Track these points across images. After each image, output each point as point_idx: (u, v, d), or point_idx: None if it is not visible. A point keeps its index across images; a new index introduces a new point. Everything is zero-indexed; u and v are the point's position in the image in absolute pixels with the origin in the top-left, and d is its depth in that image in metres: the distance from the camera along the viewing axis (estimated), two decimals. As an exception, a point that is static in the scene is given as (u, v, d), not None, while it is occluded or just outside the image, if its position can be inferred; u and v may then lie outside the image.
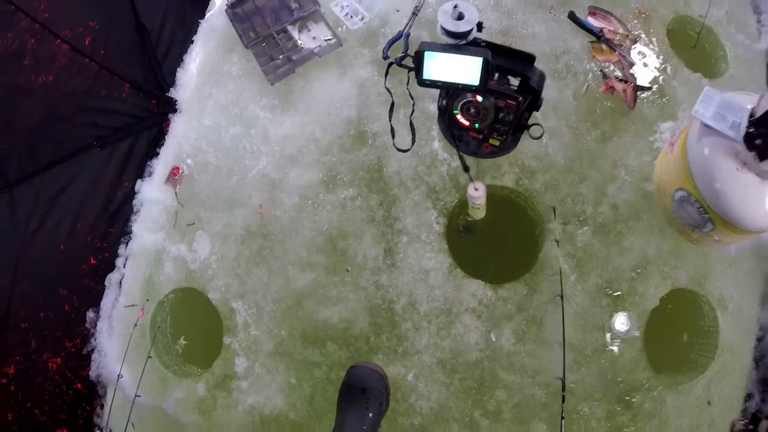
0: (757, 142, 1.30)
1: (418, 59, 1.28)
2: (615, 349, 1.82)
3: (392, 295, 1.84)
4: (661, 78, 2.07)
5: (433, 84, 1.33)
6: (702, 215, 1.55)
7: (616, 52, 2.09)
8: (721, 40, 2.14)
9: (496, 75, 1.45)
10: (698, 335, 1.94)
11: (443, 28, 1.25)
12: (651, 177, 1.86)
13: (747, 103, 1.37)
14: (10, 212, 1.79)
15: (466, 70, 1.26)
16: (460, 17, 1.25)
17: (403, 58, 1.63)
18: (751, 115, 1.32)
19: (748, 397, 1.87)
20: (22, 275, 1.80)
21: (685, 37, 2.18)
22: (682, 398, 1.83)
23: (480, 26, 1.27)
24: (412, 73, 1.36)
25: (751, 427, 1.85)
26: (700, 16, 2.10)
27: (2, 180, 1.75)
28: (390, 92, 1.69)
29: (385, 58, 1.99)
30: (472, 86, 1.28)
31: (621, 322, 1.79)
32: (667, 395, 1.83)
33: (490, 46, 1.33)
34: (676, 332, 1.96)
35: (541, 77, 1.44)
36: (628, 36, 2.17)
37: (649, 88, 2.06)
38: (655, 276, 1.87)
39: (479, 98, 1.45)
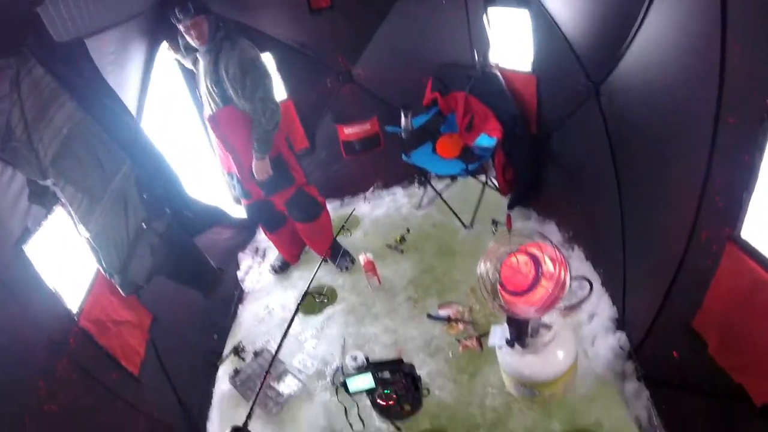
0: (510, 342, 2.52)
1: (344, 385, 2.55)
2: None
3: None
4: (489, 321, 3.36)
5: (355, 393, 2.57)
6: (527, 389, 2.67)
7: (461, 324, 3.48)
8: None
9: (388, 373, 2.71)
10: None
11: (350, 366, 2.57)
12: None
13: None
14: None
15: (366, 381, 2.53)
16: (356, 358, 2.57)
17: (342, 382, 2.82)
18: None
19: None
20: None
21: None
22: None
23: (367, 360, 2.59)
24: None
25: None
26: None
27: None
28: (343, 404, 2.91)
29: (333, 384, 3.18)
30: (371, 388, 2.54)
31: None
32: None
33: (374, 364, 2.63)
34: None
35: (410, 366, 2.72)
36: (466, 309, 3.58)
37: (487, 333, 3.21)
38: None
39: (384, 390, 2.69)
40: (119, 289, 2.58)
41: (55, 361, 2.14)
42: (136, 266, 2.54)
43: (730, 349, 1.90)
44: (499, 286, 2.30)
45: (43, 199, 2.29)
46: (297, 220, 3.95)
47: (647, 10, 2.13)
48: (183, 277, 2.95)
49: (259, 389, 1.80)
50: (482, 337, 3.27)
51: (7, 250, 2.09)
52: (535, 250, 2.30)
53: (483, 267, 2.29)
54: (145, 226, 2.57)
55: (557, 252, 2.26)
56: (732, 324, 1.85)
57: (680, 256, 2.13)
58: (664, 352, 2.44)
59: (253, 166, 3.45)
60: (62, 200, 2.28)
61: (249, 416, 1.58)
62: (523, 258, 2.26)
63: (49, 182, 2.25)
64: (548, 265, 2.27)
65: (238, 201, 4.09)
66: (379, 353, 3.31)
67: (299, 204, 3.84)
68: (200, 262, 3.04)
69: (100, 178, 2.41)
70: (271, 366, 2.15)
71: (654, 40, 2.19)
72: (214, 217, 2.94)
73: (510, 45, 3.81)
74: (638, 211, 2.61)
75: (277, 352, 2.18)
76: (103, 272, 2.54)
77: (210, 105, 3.37)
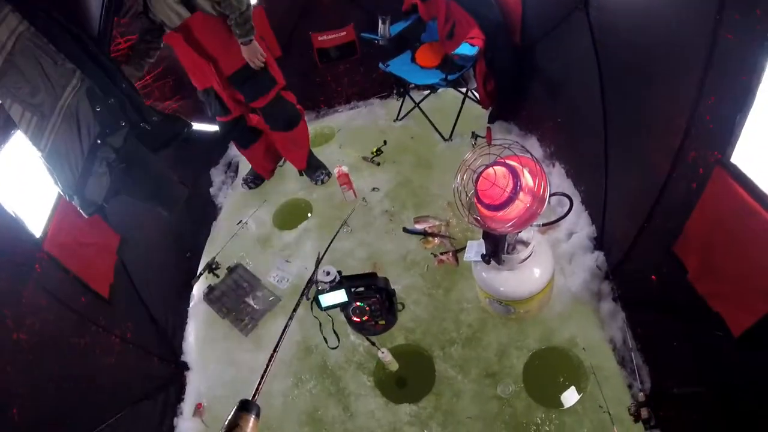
0: (486, 258, 2.46)
1: (316, 300, 2.50)
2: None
3: (356, 432, 2.73)
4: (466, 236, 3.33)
5: (327, 308, 2.52)
6: (502, 305, 2.64)
7: (437, 238, 3.44)
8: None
9: (361, 287, 2.67)
10: (565, 371, 2.66)
11: (321, 281, 2.50)
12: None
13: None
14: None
15: (339, 297, 2.48)
16: (329, 273, 2.50)
17: (315, 298, 2.79)
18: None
19: (630, 387, 2.46)
20: None
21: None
22: (577, 415, 2.47)
23: (340, 273, 2.52)
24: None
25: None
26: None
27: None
28: (318, 319, 2.88)
29: (308, 299, 3.17)
30: (344, 302, 2.49)
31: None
32: (564, 418, 2.48)
33: (348, 278, 2.57)
34: (549, 376, 2.66)
35: (385, 280, 2.67)
36: (443, 224, 3.52)
37: (463, 248, 3.21)
38: (513, 352, 2.74)
39: (358, 303, 2.65)
40: (80, 210, 2.46)
41: (20, 287, 2.07)
42: (94, 184, 2.42)
43: (710, 276, 1.84)
44: (475, 199, 2.20)
45: None
46: (274, 128, 3.78)
47: None
48: (145, 194, 2.82)
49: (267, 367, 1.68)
50: (458, 252, 3.24)
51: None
52: (514, 162, 2.18)
53: (458, 179, 2.18)
54: (99, 142, 2.42)
55: (537, 164, 2.14)
56: (714, 251, 1.78)
57: (665, 177, 2.02)
58: (642, 274, 2.40)
59: (244, 54, 3.26)
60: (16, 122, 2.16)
61: (257, 391, 1.53)
62: (501, 170, 2.14)
63: None
64: (527, 179, 2.15)
65: (213, 119, 3.88)
66: (355, 268, 3.27)
67: (278, 110, 3.65)
68: (162, 177, 2.89)
69: (49, 94, 2.25)
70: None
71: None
72: (175, 129, 2.75)
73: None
74: (623, 128, 2.47)
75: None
76: (61, 194, 2.42)
77: (172, 20, 3.10)
